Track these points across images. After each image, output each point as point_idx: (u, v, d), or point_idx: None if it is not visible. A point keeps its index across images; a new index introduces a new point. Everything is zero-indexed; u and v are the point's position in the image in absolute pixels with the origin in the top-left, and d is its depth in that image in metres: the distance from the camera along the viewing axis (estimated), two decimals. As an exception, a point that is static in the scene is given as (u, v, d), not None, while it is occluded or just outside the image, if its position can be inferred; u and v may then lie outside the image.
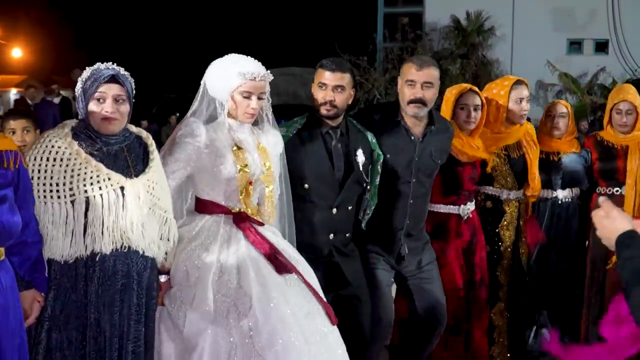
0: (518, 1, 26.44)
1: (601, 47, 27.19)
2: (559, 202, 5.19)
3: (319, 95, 3.96)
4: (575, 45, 27.15)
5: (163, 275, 3.38)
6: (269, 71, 3.56)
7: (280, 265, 3.45)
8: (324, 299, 3.56)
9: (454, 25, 24.45)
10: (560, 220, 5.20)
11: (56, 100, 13.61)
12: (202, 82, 3.61)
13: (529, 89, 4.83)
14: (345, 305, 3.91)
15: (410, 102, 4.14)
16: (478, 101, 4.60)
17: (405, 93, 4.15)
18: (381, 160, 4.12)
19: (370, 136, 4.13)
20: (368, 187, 4.09)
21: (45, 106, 12.43)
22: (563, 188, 5.18)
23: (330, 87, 3.94)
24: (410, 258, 4.31)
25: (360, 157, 4.02)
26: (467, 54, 23.63)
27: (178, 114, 17.04)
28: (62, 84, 16.27)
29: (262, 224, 3.60)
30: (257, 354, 3.22)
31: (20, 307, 2.85)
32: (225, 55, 3.62)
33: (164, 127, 17.38)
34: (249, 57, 3.60)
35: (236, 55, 3.60)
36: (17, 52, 38.39)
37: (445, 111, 4.63)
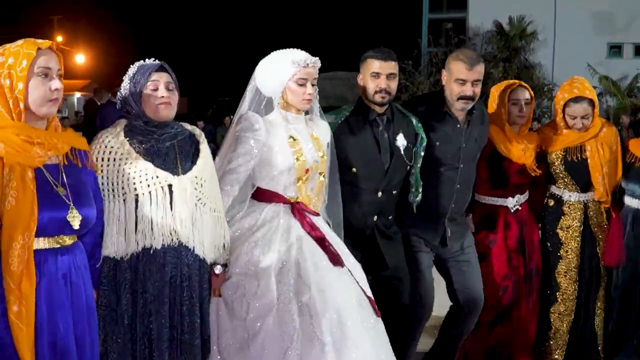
0: (560, 6, 26.18)
1: (641, 50, 26.82)
2: None
3: (373, 84, 3.96)
4: (615, 49, 26.79)
5: (218, 266, 3.32)
6: (317, 58, 3.58)
7: (334, 257, 3.48)
8: (368, 292, 3.56)
9: (496, 30, 24.26)
10: None
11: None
12: (251, 82, 3.64)
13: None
14: (385, 286, 3.94)
15: (461, 98, 4.14)
16: (528, 95, 4.54)
17: (455, 90, 4.14)
18: (424, 144, 4.11)
19: (415, 120, 4.12)
20: (412, 170, 4.09)
21: (110, 107, 12.79)
22: None
23: (384, 75, 3.95)
24: (452, 241, 4.32)
25: (401, 141, 4.02)
26: (509, 58, 23.41)
27: (232, 116, 17.23)
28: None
29: (317, 214, 3.63)
30: (318, 339, 3.22)
31: (92, 290, 2.87)
32: (271, 53, 3.64)
33: (219, 128, 17.71)
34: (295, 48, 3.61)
35: (282, 50, 3.61)
36: (80, 58, 39.06)
37: (494, 107, 4.57)
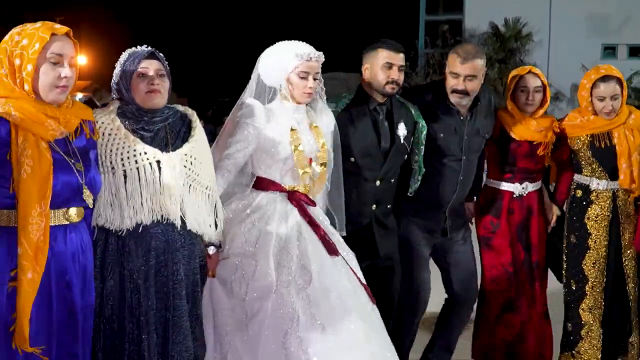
0: (555, 8, 26.26)
1: (635, 51, 26.91)
2: None
3: (384, 74, 3.93)
4: (609, 50, 26.88)
5: (211, 247, 3.30)
6: (321, 53, 3.55)
7: (330, 246, 3.50)
8: (363, 281, 3.59)
9: (492, 32, 24.34)
10: None
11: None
12: (255, 72, 3.62)
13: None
14: (378, 275, 3.97)
15: (453, 92, 4.15)
16: (539, 83, 4.41)
17: (449, 82, 4.15)
18: (425, 131, 4.10)
19: (414, 109, 4.11)
20: (416, 157, 4.11)
21: (110, 106, 12.96)
22: None
23: (397, 67, 3.93)
24: (453, 232, 4.34)
25: (402, 130, 4.02)
26: (505, 59, 23.49)
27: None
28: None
29: (313, 204, 3.63)
30: (318, 324, 3.24)
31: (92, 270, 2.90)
32: (276, 44, 3.62)
33: (219, 128, 17.67)
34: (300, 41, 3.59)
35: (286, 41, 3.60)
36: (81, 59, 39.18)
37: (506, 95, 4.52)
